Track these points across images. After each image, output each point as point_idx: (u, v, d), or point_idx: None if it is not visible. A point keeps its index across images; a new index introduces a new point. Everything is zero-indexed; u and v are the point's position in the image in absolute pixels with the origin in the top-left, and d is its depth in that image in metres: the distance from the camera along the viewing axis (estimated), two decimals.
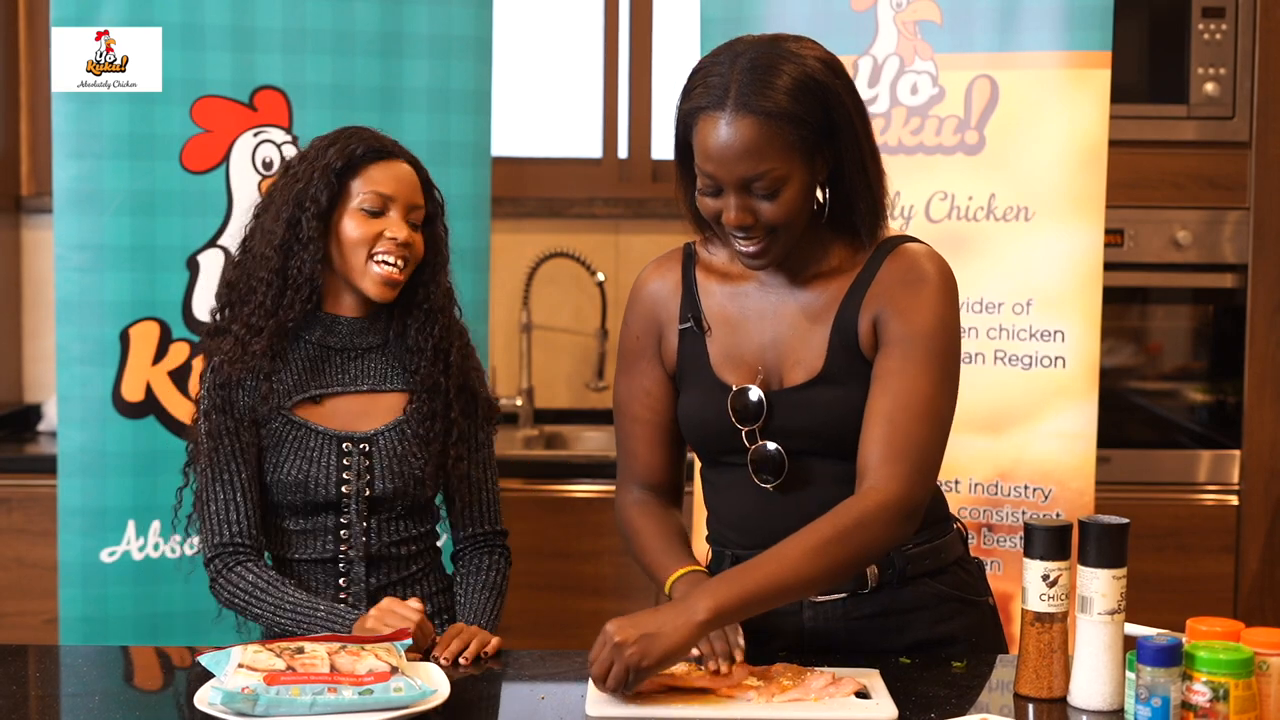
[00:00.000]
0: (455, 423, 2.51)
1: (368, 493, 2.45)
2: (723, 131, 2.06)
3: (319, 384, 2.47)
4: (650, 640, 1.98)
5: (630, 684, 1.98)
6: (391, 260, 2.43)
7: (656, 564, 2.24)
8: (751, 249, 2.13)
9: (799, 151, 2.08)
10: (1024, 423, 3.19)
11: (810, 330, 2.19)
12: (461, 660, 2.23)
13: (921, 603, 2.24)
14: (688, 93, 2.12)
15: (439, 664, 2.20)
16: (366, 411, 2.48)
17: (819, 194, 2.15)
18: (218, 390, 2.44)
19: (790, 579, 2.04)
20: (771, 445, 2.19)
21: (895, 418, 2.10)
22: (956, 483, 3.21)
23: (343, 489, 2.44)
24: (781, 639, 2.23)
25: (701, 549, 2.36)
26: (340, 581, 2.46)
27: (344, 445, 2.45)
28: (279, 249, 2.43)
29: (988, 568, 2.56)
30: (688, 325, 2.25)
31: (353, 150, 2.44)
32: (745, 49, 2.10)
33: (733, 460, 2.23)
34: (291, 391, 2.46)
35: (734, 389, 2.20)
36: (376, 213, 2.43)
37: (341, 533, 2.46)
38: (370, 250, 2.43)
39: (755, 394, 2.19)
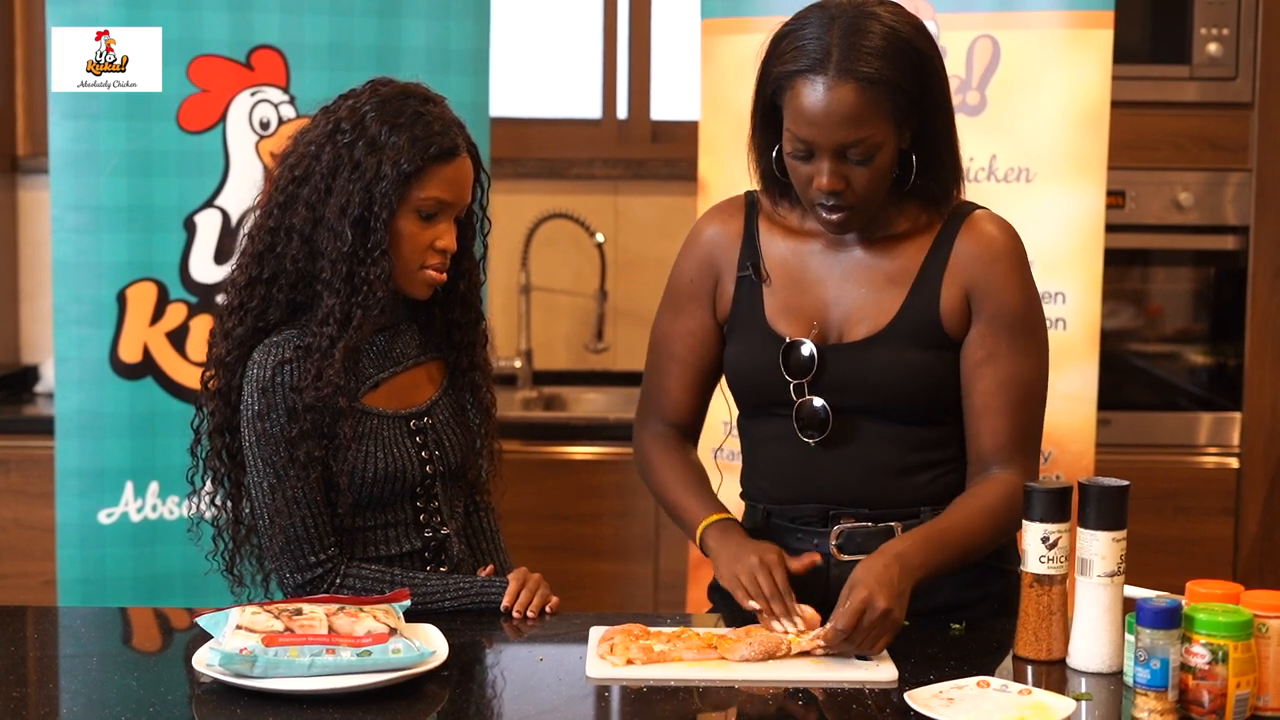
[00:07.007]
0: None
1: (441, 468, 2.36)
2: (824, 96, 2.06)
3: (375, 368, 2.34)
4: (902, 600, 2.03)
5: None
6: (438, 268, 2.31)
7: (684, 507, 2.29)
8: (836, 217, 2.15)
9: (894, 118, 2.09)
10: None
11: (882, 291, 2.20)
12: (530, 614, 2.25)
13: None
14: (779, 55, 2.11)
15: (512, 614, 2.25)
16: (415, 385, 2.39)
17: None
18: (289, 393, 2.23)
19: (975, 538, 2.14)
20: (818, 401, 2.20)
21: (1010, 408, 2.19)
22: None
23: (426, 469, 2.34)
24: (809, 596, 2.20)
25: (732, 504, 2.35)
26: (427, 569, 2.36)
27: (411, 424, 2.35)
28: (347, 256, 2.23)
29: None
30: (746, 273, 2.27)
31: (427, 149, 2.23)
32: (839, 13, 2.10)
33: (778, 412, 2.24)
34: (357, 384, 2.30)
35: (787, 340, 2.21)
36: (431, 215, 2.27)
37: (421, 517, 2.36)
38: (420, 260, 2.29)
39: (808, 348, 2.20)
